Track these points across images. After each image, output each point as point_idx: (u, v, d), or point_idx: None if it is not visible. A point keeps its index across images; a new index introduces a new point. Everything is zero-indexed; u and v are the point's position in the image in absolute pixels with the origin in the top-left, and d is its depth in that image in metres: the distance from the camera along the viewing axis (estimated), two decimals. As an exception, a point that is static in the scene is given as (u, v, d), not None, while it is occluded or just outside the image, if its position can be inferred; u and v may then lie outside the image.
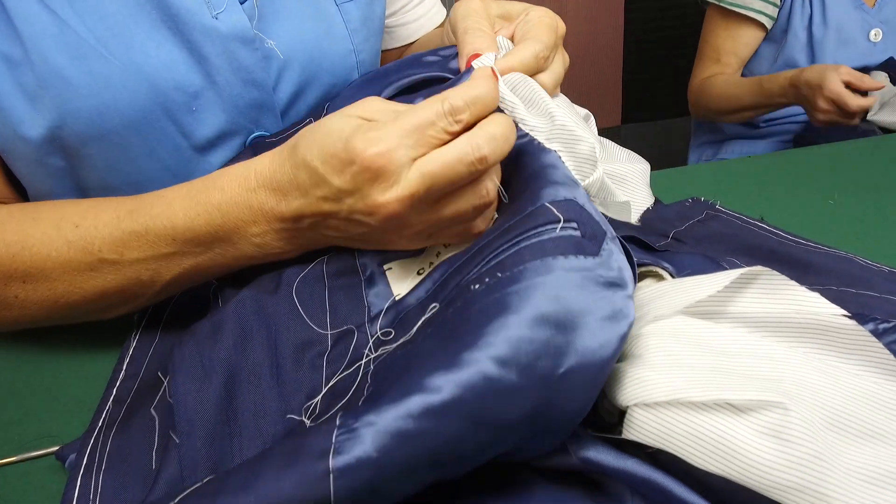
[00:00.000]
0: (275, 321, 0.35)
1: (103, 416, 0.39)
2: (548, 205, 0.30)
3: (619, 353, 0.28)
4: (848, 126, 1.05)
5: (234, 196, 0.36)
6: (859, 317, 0.38)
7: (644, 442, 0.27)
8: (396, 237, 0.35)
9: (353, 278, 0.36)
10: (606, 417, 0.30)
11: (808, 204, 0.59)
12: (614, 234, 0.32)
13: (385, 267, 0.36)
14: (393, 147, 0.31)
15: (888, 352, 0.28)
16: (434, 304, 0.31)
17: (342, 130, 0.32)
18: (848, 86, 1.02)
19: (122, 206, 0.39)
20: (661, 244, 0.49)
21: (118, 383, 0.42)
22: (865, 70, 1.13)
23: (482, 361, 0.25)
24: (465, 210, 0.33)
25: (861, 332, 0.29)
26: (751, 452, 0.25)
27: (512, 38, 0.44)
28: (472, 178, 0.32)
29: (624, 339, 0.28)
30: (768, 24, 1.18)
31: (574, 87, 2.06)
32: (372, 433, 0.24)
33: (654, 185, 0.56)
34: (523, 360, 0.25)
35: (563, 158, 0.34)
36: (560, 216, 0.30)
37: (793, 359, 0.28)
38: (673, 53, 2.11)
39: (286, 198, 0.35)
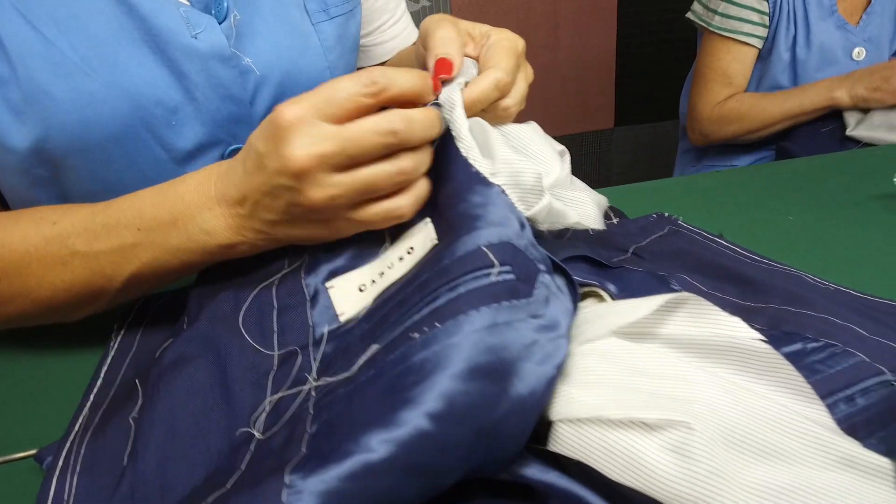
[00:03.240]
0: (226, 344, 0.37)
1: (80, 420, 0.42)
2: (484, 248, 0.32)
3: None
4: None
5: (195, 185, 0.40)
6: (791, 336, 0.40)
7: (566, 454, 0.29)
8: (323, 213, 0.37)
9: (299, 297, 0.38)
10: (538, 429, 0.32)
11: (769, 219, 0.61)
12: (550, 265, 0.34)
13: (327, 285, 0.38)
14: (307, 109, 0.34)
15: (798, 374, 0.31)
16: (375, 346, 0.32)
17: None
18: None
19: (98, 205, 0.42)
20: (619, 259, 0.51)
21: (96, 389, 0.45)
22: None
23: (417, 419, 0.27)
24: (380, 179, 0.36)
25: (774, 355, 0.31)
26: (655, 466, 0.27)
27: (477, 59, 0.46)
28: (384, 150, 0.35)
29: (552, 380, 0.30)
30: (759, 45, 1.20)
31: (568, 91, 2.08)
32: (315, 494, 0.26)
33: (626, 198, 0.58)
34: (458, 414, 0.27)
35: (508, 191, 0.36)
36: (495, 261, 0.32)
37: (705, 381, 0.30)
38: (666, 58, 2.13)
39: (232, 180, 0.38)
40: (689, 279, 0.49)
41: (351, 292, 0.38)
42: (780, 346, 0.39)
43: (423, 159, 0.37)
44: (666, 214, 0.60)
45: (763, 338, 0.32)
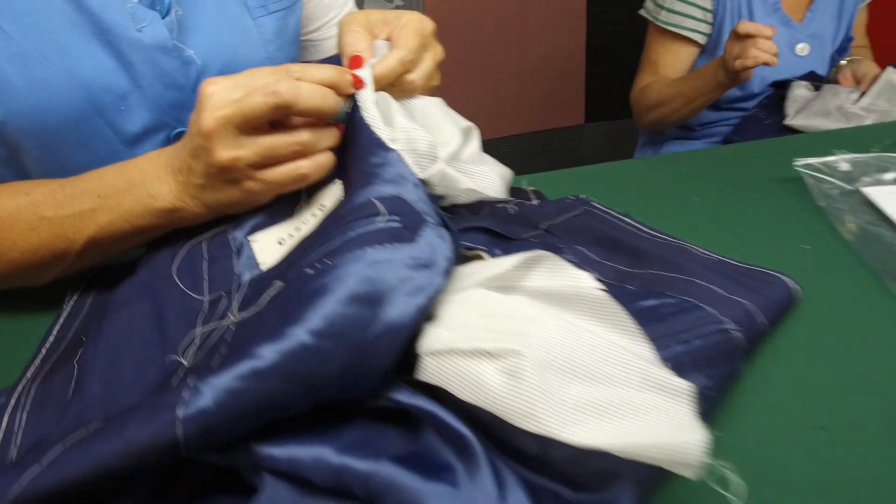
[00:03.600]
0: (162, 292, 0.42)
1: (31, 369, 0.47)
2: (374, 200, 0.38)
3: (425, 316, 0.36)
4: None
5: (153, 158, 0.46)
6: (656, 294, 0.46)
7: (429, 381, 0.35)
8: (232, 172, 0.42)
9: (226, 250, 0.44)
10: (410, 361, 0.37)
11: (678, 200, 0.67)
12: (438, 220, 0.40)
13: (250, 238, 0.44)
14: (226, 85, 0.41)
15: (629, 317, 0.36)
16: (279, 282, 0.38)
17: None
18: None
19: (69, 178, 0.48)
20: (530, 234, 0.56)
21: (47, 344, 0.50)
22: (788, 82, 1.21)
23: (301, 334, 0.33)
24: (279, 146, 0.42)
25: (611, 302, 0.37)
26: (492, 386, 0.32)
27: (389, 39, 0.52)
28: (271, 110, 0.41)
29: (422, 309, 0.35)
30: (702, 40, 1.26)
31: (539, 89, 2.14)
32: (211, 391, 0.32)
33: (556, 183, 0.64)
34: (336, 332, 0.33)
35: (404, 155, 0.42)
36: (384, 210, 0.38)
37: (546, 320, 0.35)
38: (635, 55, 2.19)
39: (177, 152, 0.44)
40: (585, 251, 0.54)
41: (270, 245, 0.43)
42: (641, 300, 0.45)
43: (324, 135, 0.43)
44: (583, 197, 0.66)
45: (603, 287, 0.37)
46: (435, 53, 0.51)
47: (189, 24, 0.56)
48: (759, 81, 1.24)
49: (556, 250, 0.51)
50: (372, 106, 0.45)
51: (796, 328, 0.49)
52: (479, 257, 0.44)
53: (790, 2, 1.24)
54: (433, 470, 0.33)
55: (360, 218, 0.38)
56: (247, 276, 0.43)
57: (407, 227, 0.38)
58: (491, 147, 0.73)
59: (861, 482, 0.37)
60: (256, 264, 0.43)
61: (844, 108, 1.13)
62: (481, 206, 0.59)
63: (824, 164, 0.68)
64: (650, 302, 0.44)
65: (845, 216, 0.62)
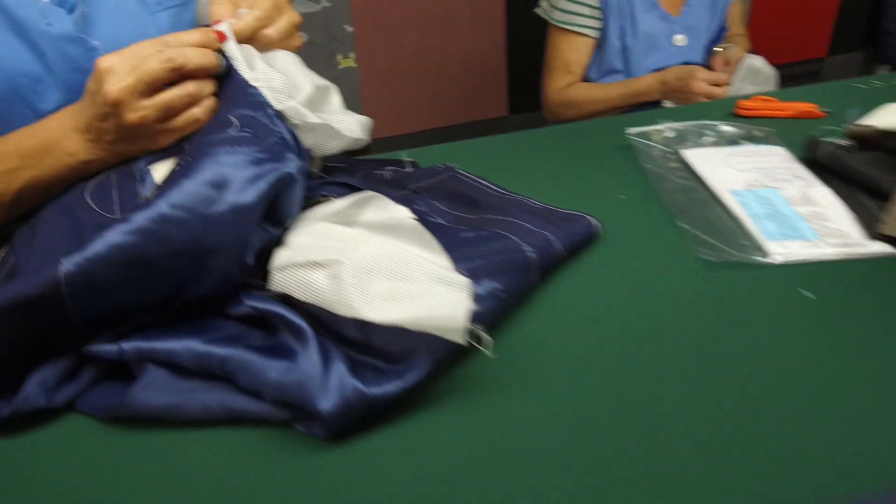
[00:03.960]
0: (78, 212, 0.52)
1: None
2: (230, 116, 0.49)
3: (261, 208, 0.47)
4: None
5: (58, 121, 0.56)
6: (475, 229, 0.57)
7: (277, 290, 0.46)
8: (142, 129, 0.52)
9: (130, 179, 0.53)
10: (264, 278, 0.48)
11: (531, 167, 0.79)
12: (291, 140, 0.51)
13: (150, 167, 0.53)
14: (119, 59, 0.51)
15: (432, 238, 0.48)
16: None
17: None
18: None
19: None
20: (398, 193, 0.67)
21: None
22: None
23: (162, 205, 0.43)
24: (174, 99, 0.52)
25: (419, 228, 0.48)
26: (320, 288, 0.43)
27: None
28: (168, 74, 0.51)
29: (263, 194, 0.46)
30: (595, 35, 1.39)
31: (463, 83, 2.26)
32: (92, 246, 0.42)
33: (436, 156, 0.75)
34: (189, 205, 0.44)
35: (264, 91, 0.53)
36: (237, 123, 0.49)
37: (368, 240, 0.46)
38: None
39: (80, 115, 0.54)
40: (437, 204, 0.66)
41: (166, 171, 0.53)
42: (462, 233, 0.57)
43: (205, 85, 0.53)
44: (451, 165, 0.77)
45: (415, 216, 0.48)
46: (291, 17, 0.61)
47: (92, 18, 0.65)
48: (642, 70, 1.38)
49: (414, 202, 0.62)
50: (237, 54, 0.55)
51: (601, 253, 0.61)
52: (328, 201, 0.55)
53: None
54: (279, 354, 0.44)
55: (218, 128, 0.48)
56: (147, 195, 0.53)
57: (256, 136, 0.49)
58: (419, 138, 0.83)
59: (619, 360, 0.49)
60: (156, 186, 0.53)
61: (713, 91, 1.28)
62: (356, 170, 0.70)
63: (651, 131, 0.81)
64: (468, 234, 0.55)
65: (663, 174, 0.75)
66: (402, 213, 0.49)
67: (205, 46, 0.54)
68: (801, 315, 0.53)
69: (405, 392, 0.43)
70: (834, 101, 0.93)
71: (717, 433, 0.43)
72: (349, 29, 2.09)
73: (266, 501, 0.40)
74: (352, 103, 2.15)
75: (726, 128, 0.82)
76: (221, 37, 0.56)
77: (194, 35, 0.54)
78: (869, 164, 0.71)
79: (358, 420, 0.43)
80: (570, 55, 1.40)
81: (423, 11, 2.14)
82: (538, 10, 1.43)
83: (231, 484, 0.41)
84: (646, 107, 1.35)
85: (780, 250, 0.60)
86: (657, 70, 1.39)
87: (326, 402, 0.41)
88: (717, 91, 1.24)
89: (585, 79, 1.45)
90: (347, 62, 2.11)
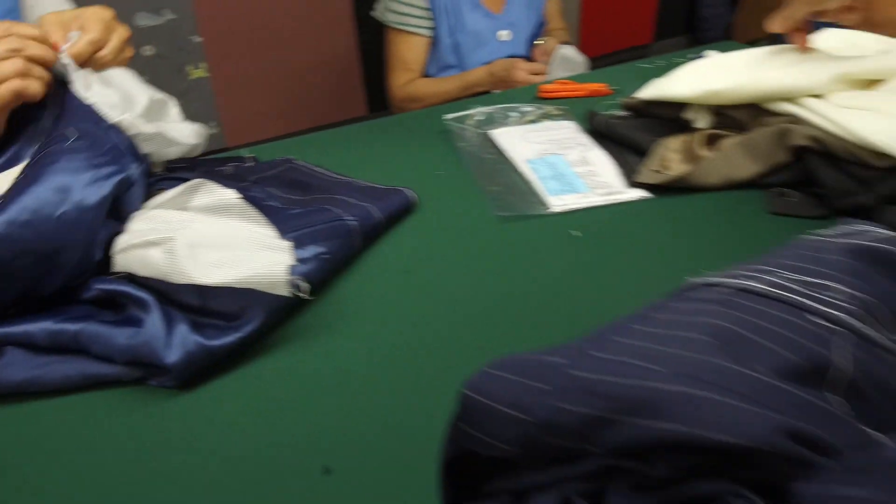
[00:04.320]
0: None
1: None
2: (69, 129, 0.55)
3: (104, 208, 0.53)
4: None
5: None
6: (304, 207, 0.66)
7: (121, 270, 0.53)
8: None
9: None
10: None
11: (375, 149, 0.89)
12: (128, 147, 0.57)
13: None
14: None
15: (259, 213, 0.56)
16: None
17: None
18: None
19: None
20: (239, 185, 0.75)
21: None
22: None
23: (11, 211, 0.49)
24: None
25: (247, 206, 0.57)
26: (157, 262, 0.51)
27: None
28: (6, 53, 0.56)
29: (105, 196, 0.53)
30: (429, 34, 1.52)
31: (320, 85, 2.33)
32: None
33: (279, 151, 0.82)
34: (37, 208, 0.50)
35: (102, 108, 0.59)
36: (74, 135, 0.55)
37: (197, 219, 0.54)
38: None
39: None
40: (272, 191, 0.74)
41: (10, 180, 0.58)
42: (291, 210, 0.65)
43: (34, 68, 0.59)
44: (290, 157, 0.86)
45: (241, 196, 0.57)
46: (120, 34, 0.67)
47: None
48: (473, 63, 1.53)
49: (250, 191, 0.70)
50: (75, 76, 0.61)
51: (417, 218, 0.72)
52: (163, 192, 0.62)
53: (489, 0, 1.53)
54: (127, 324, 0.51)
55: (57, 140, 0.55)
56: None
57: (94, 144, 0.55)
58: (284, 144, 0.90)
59: (432, 312, 0.60)
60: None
61: (534, 78, 1.44)
62: (195, 167, 0.77)
63: (465, 116, 0.93)
64: (296, 211, 0.64)
65: (474, 151, 0.87)
66: (229, 195, 0.58)
67: (45, 44, 0.59)
68: (571, 249, 0.67)
69: (243, 341, 0.52)
70: (622, 80, 1.10)
71: (505, 346, 0.54)
72: (197, 39, 2.10)
73: (128, 448, 0.47)
74: (207, 113, 2.16)
75: (528, 108, 0.96)
76: (56, 47, 0.61)
77: (38, 31, 0.59)
78: (635, 129, 0.87)
79: (202, 369, 0.51)
80: (408, 53, 1.51)
81: (271, 19, 2.19)
82: (374, 14, 1.54)
83: (95, 439, 0.48)
84: (480, 96, 1.50)
85: (559, 202, 0.73)
86: (487, 63, 1.54)
87: (172, 356, 0.49)
88: (537, 79, 1.40)
89: (425, 74, 1.57)
90: (199, 72, 2.12)
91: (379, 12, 1.53)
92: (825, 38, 0.90)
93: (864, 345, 0.30)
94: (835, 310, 0.31)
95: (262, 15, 2.16)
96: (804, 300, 0.32)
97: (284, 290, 0.52)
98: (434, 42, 1.53)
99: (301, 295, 0.53)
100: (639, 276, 0.63)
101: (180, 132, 0.67)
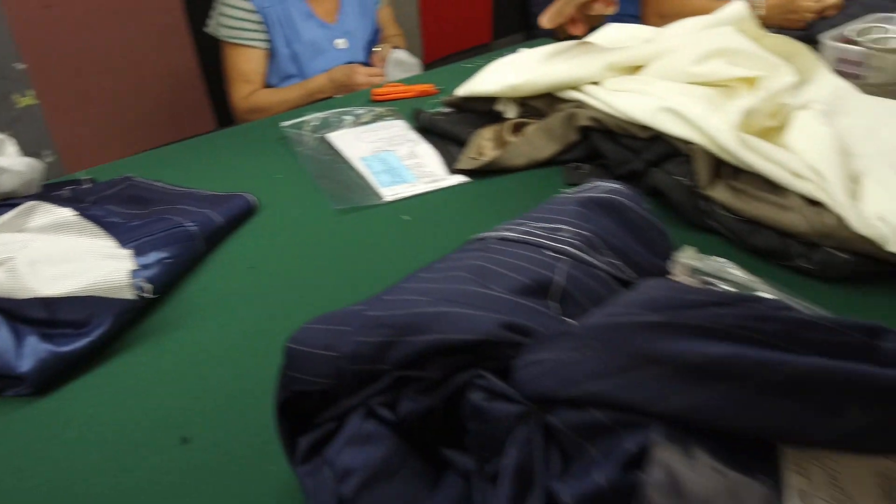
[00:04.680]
0: None
1: None
2: None
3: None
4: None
5: None
6: (145, 218, 0.70)
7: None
8: None
9: None
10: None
11: (207, 168, 0.93)
12: None
13: None
14: None
15: (97, 227, 0.60)
16: None
17: None
18: None
19: None
20: (78, 206, 0.77)
21: None
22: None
23: None
24: None
25: (84, 221, 0.60)
26: (2, 282, 0.54)
27: None
28: None
29: None
30: (265, 46, 1.55)
31: (163, 104, 2.28)
32: None
33: (122, 170, 0.84)
34: None
35: None
36: None
37: (36, 237, 0.57)
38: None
39: None
40: (113, 208, 0.77)
41: None
42: (132, 223, 0.69)
43: None
44: (128, 175, 0.88)
45: (76, 211, 0.60)
46: None
47: None
48: (313, 72, 1.58)
49: (89, 210, 0.73)
50: None
51: (259, 219, 0.78)
52: None
53: (321, 10, 1.59)
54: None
55: None
56: None
57: None
58: (123, 163, 0.90)
59: (282, 316, 0.66)
60: None
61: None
62: (33, 195, 0.78)
63: (302, 122, 0.99)
64: (137, 223, 0.68)
65: (311, 154, 0.94)
66: (66, 213, 0.61)
67: None
68: (403, 232, 0.75)
69: (94, 345, 0.55)
70: (447, 80, 1.20)
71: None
72: (20, 66, 1.99)
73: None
74: (40, 141, 2.05)
75: (361, 111, 1.04)
76: None
77: None
78: (455, 123, 0.97)
79: (56, 375, 0.54)
80: (245, 66, 1.54)
81: (99, 40, 2.11)
82: (207, 29, 1.56)
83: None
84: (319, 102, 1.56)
85: (390, 192, 0.82)
86: (327, 71, 1.60)
87: (24, 365, 0.52)
88: (377, 80, 1.48)
89: (267, 84, 1.61)
90: (26, 100, 2.01)
91: (212, 28, 1.55)
92: (608, 32, 1.06)
93: (580, 266, 0.40)
94: (561, 244, 0.42)
95: (89, 36, 2.08)
96: (541, 240, 0.42)
97: (129, 294, 0.56)
98: (272, 53, 1.58)
99: (146, 296, 0.57)
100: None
101: (17, 167, 0.69)
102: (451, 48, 3.38)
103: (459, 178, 0.85)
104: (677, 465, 0.26)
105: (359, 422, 0.37)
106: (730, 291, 0.35)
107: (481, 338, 0.32)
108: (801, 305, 0.44)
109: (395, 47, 1.58)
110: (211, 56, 2.33)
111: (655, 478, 0.25)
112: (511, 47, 1.36)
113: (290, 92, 1.55)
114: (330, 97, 1.56)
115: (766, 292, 0.43)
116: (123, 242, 0.61)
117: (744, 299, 0.30)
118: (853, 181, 0.66)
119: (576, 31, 0.92)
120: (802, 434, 0.27)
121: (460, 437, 0.36)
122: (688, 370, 0.26)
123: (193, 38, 2.29)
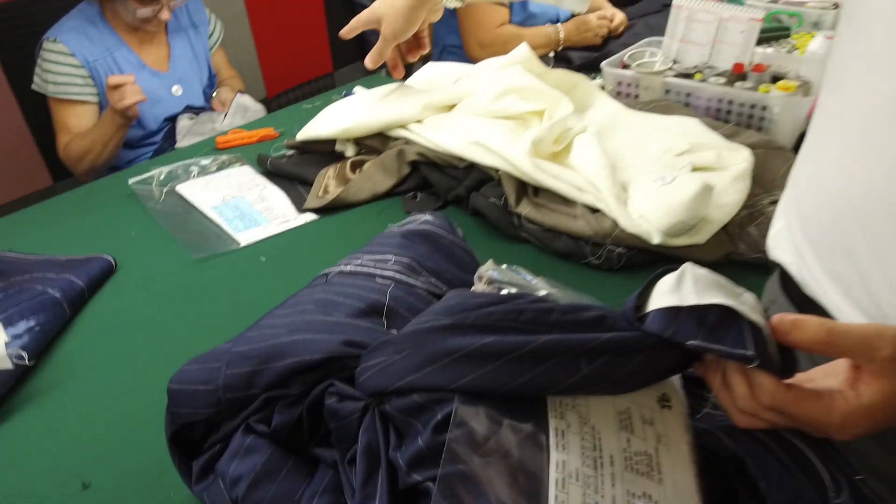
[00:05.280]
0: None
1: None
2: None
3: None
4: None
5: None
6: (7, 291, 0.73)
7: None
8: None
9: None
10: None
11: (64, 234, 0.95)
12: None
13: None
14: None
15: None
16: None
17: None
18: None
19: None
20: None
21: None
22: (176, 116, 1.59)
23: None
24: None
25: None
26: None
27: None
28: None
29: None
30: (95, 99, 1.54)
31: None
32: None
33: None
34: None
35: None
36: None
37: None
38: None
39: None
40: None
41: None
42: (13, 296, 0.72)
43: None
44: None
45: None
46: None
47: None
48: (153, 120, 1.60)
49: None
50: None
51: (119, 277, 0.82)
52: None
53: (151, 60, 1.61)
54: None
55: None
56: None
57: None
58: None
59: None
60: None
61: (216, 128, 1.56)
62: None
63: (149, 177, 1.04)
64: (0, 296, 0.71)
65: (162, 207, 0.98)
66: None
67: None
68: (260, 272, 0.83)
69: (-27, 418, 0.59)
70: (287, 122, 1.29)
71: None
72: None
73: None
74: None
75: (206, 161, 1.10)
76: None
77: None
78: (300, 165, 1.06)
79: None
80: (72, 120, 1.53)
81: None
82: (35, 87, 1.52)
83: None
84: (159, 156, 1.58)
85: (245, 237, 0.89)
86: (167, 119, 1.62)
87: None
88: (139, 98, 1.42)
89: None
90: None
91: (38, 85, 1.52)
92: (426, 72, 1.20)
93: (402, 287, 0.51)
94: (388, 271, 0.53)
95: None
96: (373, 270, 0.53)
97: (6, 364, 0.60)
98: (104, 106, 1.57)
99: (23, 363, 0.61)
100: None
101: None
102: (294, 81, 3.44)
103: (309, 217, 0.94)
104: (471, 422, 0.37)
105: (240, 438, 0.46)
106: (509, 293, 0.47)
107: (327, 356, 0.42)
108: (570, 294, 0.58)
109: (241, 91, 1.64)
110: (38, 110, 2.23)
111: (455, 433, 0.37)
112: (353, 82, 1.47)
113: (95, 129, 1.51)
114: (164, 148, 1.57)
115: (543, 288, 0.57)
116: (-11, 317, 0.64)
117: (511, 298, 0.42)
118: (623, 189, 0.83)
119: (396, 74, 1.05)
120: (553, 386, 0.39)
121: (326, 436, 0.46)
122: (468, 357, 0.38)
123: (17, 96, 2.19)
